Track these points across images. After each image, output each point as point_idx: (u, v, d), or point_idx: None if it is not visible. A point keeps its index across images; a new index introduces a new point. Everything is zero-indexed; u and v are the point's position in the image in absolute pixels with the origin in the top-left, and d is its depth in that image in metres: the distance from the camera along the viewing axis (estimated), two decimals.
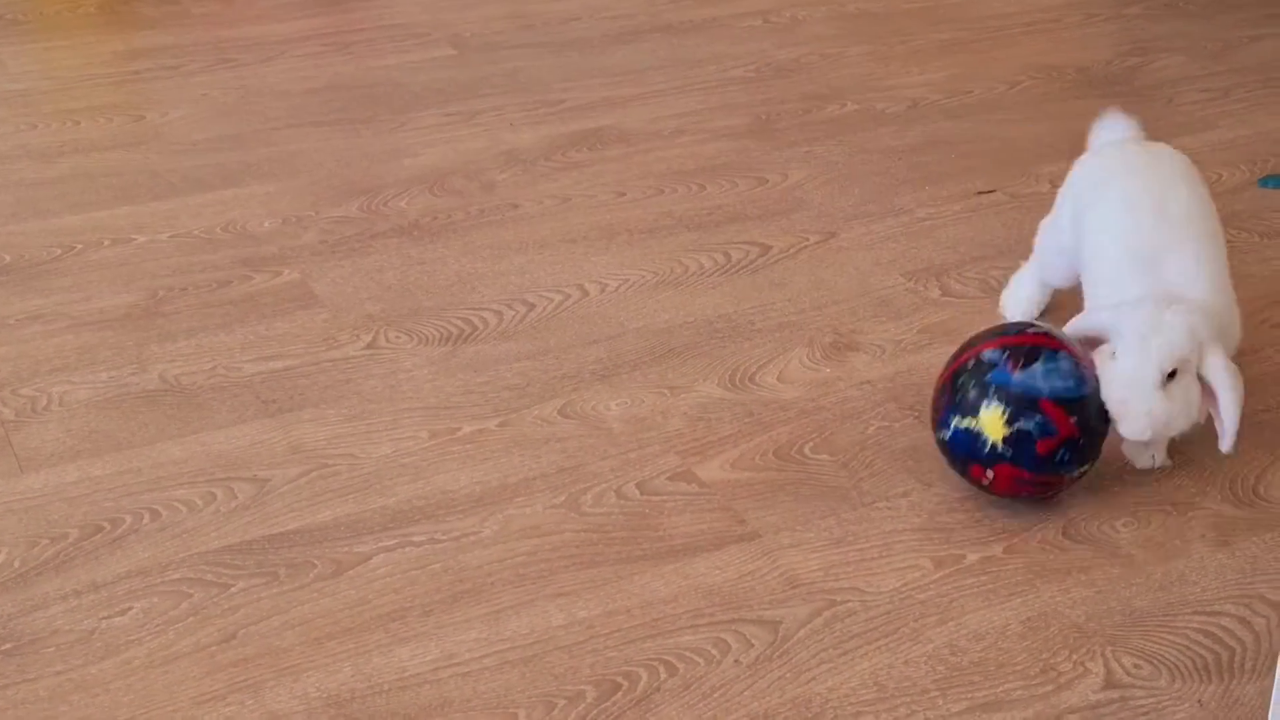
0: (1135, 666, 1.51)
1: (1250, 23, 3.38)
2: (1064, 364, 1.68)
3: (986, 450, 1.68)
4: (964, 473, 1.74)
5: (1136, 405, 1.66)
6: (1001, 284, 2.22)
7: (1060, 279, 2.05)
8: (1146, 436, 1.69)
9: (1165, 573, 1.65)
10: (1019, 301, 2.12)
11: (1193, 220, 1.86)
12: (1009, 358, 1.69)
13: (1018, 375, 1.67)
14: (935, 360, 2.04)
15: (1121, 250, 1.85)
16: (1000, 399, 1.67)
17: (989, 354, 1.70)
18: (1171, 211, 1.86)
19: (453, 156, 2.69)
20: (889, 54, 3.23)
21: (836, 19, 3.44)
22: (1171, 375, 1.67)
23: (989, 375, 1.69)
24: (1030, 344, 1.70)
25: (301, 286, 2.16)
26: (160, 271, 2.29)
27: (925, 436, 1.87)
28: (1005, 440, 1.67)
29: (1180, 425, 1.69)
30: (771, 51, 3.24)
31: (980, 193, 2.56)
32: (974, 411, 1.68)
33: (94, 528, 1.72)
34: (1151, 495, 1.78)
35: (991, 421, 1.67)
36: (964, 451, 1.71)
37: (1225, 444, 1.68)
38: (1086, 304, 1.89)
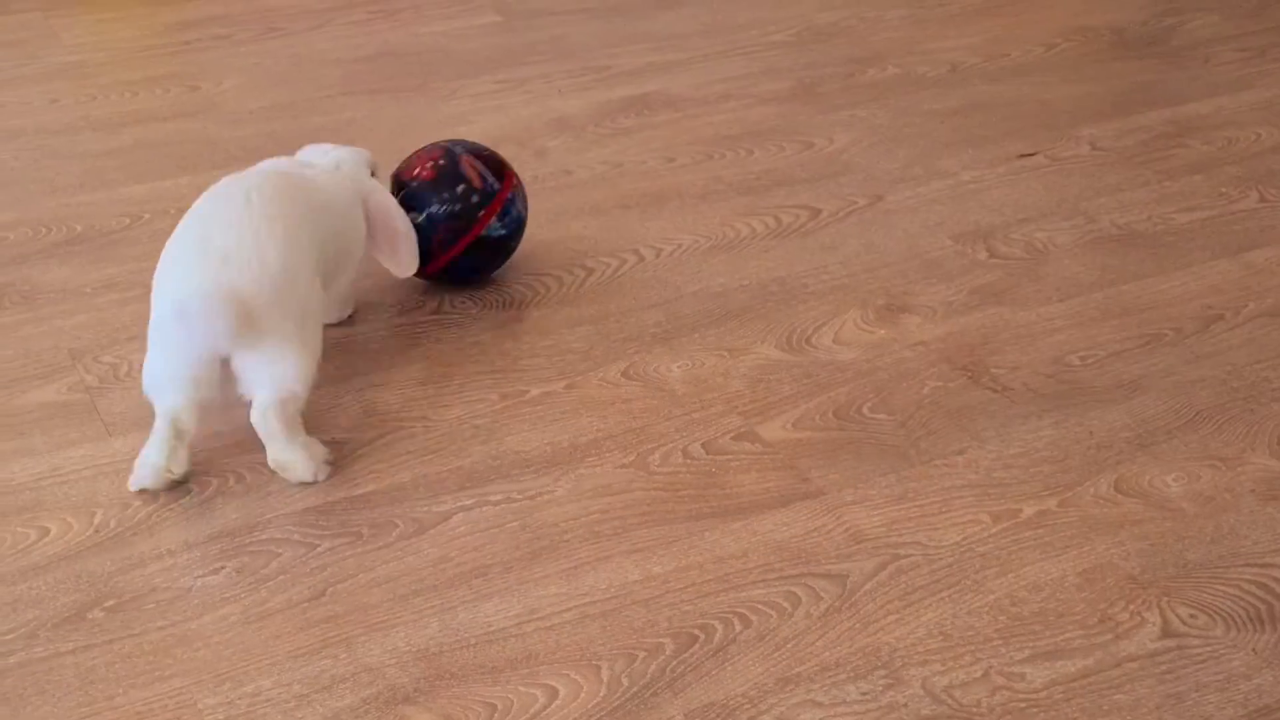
0: (1191, 616, 1.57)
1: None
2: None
3: None
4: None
5: None
6: (1046, 246, 2.28)
7: None
8: None
9: (1216, 526, 1.71)
10: None
11: None
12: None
13: None
14: (986, 321, 2.10)
15: None
16: None
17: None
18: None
19: (505, 124, 2.75)
20: (927, 17, 3.27)
21: None
22: None
23: None
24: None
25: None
26: None
27: (979, 396, 1.93)
28: None
29: None
30: (811, 15, 3.28)
31: (1022, 156, 2.61)
32: None
33: (182, 490, 1.79)
34: (1200, 451, 1.83)
35: None
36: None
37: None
38: None
